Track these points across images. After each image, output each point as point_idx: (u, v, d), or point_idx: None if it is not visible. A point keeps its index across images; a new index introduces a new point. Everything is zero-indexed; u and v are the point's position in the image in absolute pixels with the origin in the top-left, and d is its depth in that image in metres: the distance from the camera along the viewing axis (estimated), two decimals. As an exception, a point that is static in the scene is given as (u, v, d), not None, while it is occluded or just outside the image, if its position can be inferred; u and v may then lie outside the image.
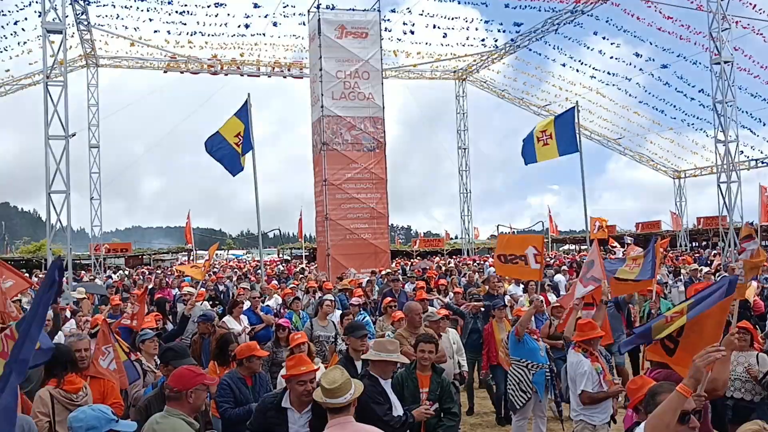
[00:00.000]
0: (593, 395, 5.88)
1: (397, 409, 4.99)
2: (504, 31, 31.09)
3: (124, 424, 3.43)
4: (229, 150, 15.26)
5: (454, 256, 40.38)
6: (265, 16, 27.15)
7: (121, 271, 34.29)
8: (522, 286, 13.53)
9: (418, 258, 41.94)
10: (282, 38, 30.08)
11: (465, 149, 39.11)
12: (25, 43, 26.78)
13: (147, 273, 29.59)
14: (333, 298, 10.40)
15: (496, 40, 32.34)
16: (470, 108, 39.18)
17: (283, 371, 6.08)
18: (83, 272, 30.51)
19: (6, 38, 25.92)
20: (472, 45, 32.05)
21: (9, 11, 24.36)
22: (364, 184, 24.46)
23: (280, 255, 57.05)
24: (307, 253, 43.92)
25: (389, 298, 10.62)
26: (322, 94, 23.91)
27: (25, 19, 25.06)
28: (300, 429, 4.59)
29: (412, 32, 29.24)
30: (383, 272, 19.06)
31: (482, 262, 27.89)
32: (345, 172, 24.16)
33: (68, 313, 10.08)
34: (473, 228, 41.80)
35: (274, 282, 18.40)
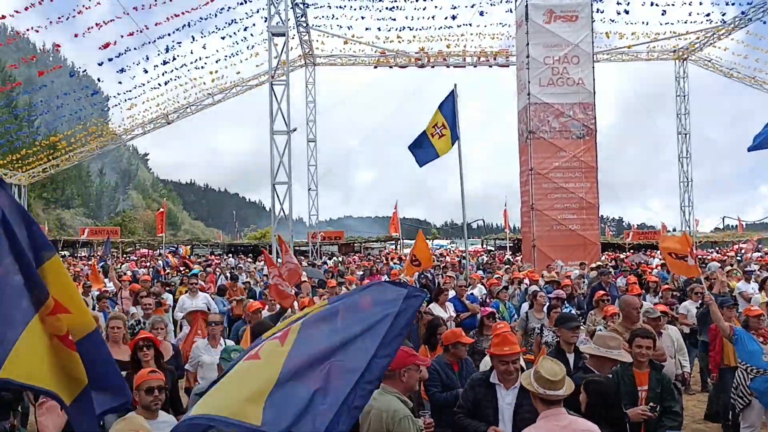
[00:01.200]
0: None
1: (615, 408, 4.74)
2: (733, 4, 28.22)
3: None
4: (422, 139, 15.44)
5: (671, 250, 37.43)
6: (472, 6, 27.29)
7: (335, 258, 36.47)
8: (757, 283, 12.15)
9: (631, 251, 39.60)
10: (488, 27, 30.04)
11: (686, 134, 36.12)
12: (252, 47, 29.45)
13: (359, 260, 31.12)
14: (541, 290, 10.16)
15: (723, 14, 29.46)
16: (692, 90, 36.05)
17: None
18: (302, 258, 32.88)
19: (237, 44, 28.73)
20: (695, 21, 29.53)
21: (240, 19, 26.91)
22: (572, 173, 23.57)
23: (484, 245, 57.01)
24: (511, 244, 43.41)
25: (602, 292, 10.12)
26: (529, 81, 23.40)
27: (253, 25, 27.56)
28: (506, 406, 4.59)
29: (627, 12, 27.61)
30: (593, 265, 18.25)
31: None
32: (552, 160, 23.46)
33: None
34: (694, 220, 38.50)
35: (479, 272, 18.41)
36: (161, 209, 31.91)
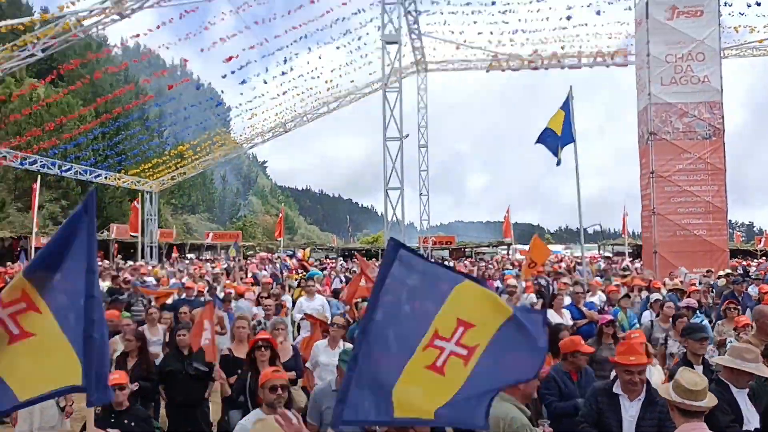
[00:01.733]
0: None
1: (750, 423, 4.46)
2: None
3: None
4: (556, 139, 15.14)
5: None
6: (588, 6, 26.51)
7: (446, 263, 36.42)
8: None
9: (764, 258, 36.99)
10: (605, 26, 29.13)
11: (826, 133, 33.32)
12: (366, 55, 30.03)
13: (470, 265, 30.93)
14: (664, 298, 9.71)
15: None
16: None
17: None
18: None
19: (351, 53, 29.41)
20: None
21: (354, 29, 27.52)
22: (697, 176, 22.34)
23: (601, 251, 55.09)
24: (630, 250, 41.71)
25: (730, 301, 9.54)
26: (650, 81, 22.43)
27: (367, 34, 28.16)
28: (629, 419, 4.46)
29: (758, 3, 25.86)
30: (721, 273, 17.21)
31: None
32: (675, 162, 22.34)
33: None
34: (835, 225, 35.39)
35: (597, 278, 17.83)
36: (279, 214, 33.08)
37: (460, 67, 34.66)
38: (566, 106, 15.20)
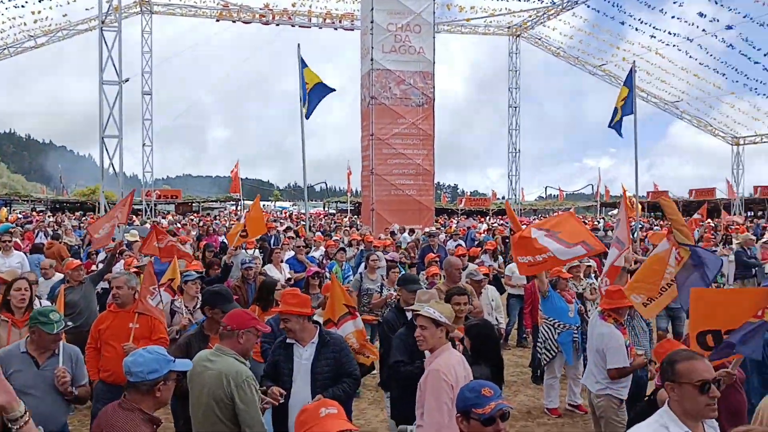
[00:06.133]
0: (622, 370, 5.64)
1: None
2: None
3: (181, 363, 3.44)
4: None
5: (499, 216, 40.26)
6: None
7: (170, 217, 35.12)
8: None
9: (463, 216, 41.80)
10: (335, -11, 29.88)
11: (516, 108, 38.22)
12: (81, -13, 27.15)
13: (195, 220, 30.19)
14: (379, 254, 10.38)
15: (555, -5, 31.25)
16: (533, 66, 38.09)
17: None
18: (134, 217, 31.32)
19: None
20: (528, 0, 31.15)
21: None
22: (411, 140, 24.27)
23: (326, 208, 57.59)
24: (352, 207, 44.19)
25: (432, 254, 10.62)
26: (372, 47, 23.65)
27: (83, -37, 25.35)
28: (303, 362, 4.71)
29: (468, -15, 28.57)
30: (427, 229, 19.03)
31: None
32: (392, 127, 24.00)
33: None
34: (521, 189, 41.25)
35: (320, 234, 18.60)
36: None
37: (188, 12, 33.04)
38: (302, 65, 15.50)
